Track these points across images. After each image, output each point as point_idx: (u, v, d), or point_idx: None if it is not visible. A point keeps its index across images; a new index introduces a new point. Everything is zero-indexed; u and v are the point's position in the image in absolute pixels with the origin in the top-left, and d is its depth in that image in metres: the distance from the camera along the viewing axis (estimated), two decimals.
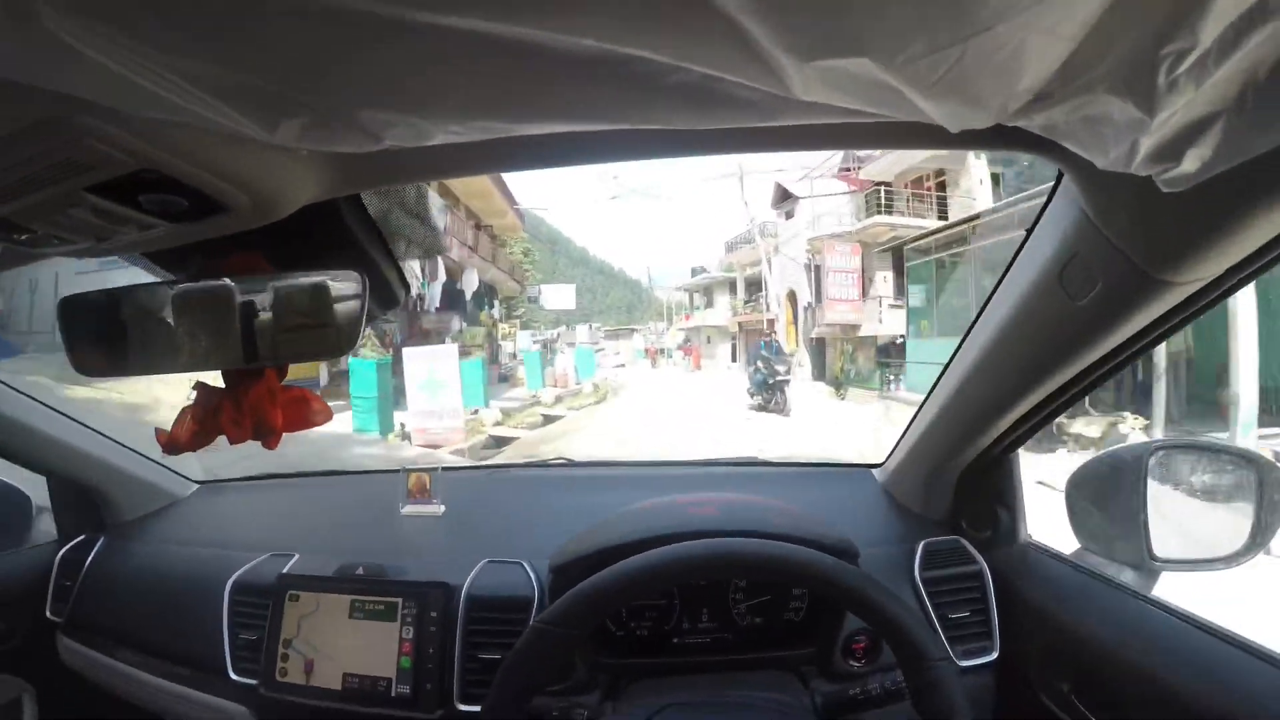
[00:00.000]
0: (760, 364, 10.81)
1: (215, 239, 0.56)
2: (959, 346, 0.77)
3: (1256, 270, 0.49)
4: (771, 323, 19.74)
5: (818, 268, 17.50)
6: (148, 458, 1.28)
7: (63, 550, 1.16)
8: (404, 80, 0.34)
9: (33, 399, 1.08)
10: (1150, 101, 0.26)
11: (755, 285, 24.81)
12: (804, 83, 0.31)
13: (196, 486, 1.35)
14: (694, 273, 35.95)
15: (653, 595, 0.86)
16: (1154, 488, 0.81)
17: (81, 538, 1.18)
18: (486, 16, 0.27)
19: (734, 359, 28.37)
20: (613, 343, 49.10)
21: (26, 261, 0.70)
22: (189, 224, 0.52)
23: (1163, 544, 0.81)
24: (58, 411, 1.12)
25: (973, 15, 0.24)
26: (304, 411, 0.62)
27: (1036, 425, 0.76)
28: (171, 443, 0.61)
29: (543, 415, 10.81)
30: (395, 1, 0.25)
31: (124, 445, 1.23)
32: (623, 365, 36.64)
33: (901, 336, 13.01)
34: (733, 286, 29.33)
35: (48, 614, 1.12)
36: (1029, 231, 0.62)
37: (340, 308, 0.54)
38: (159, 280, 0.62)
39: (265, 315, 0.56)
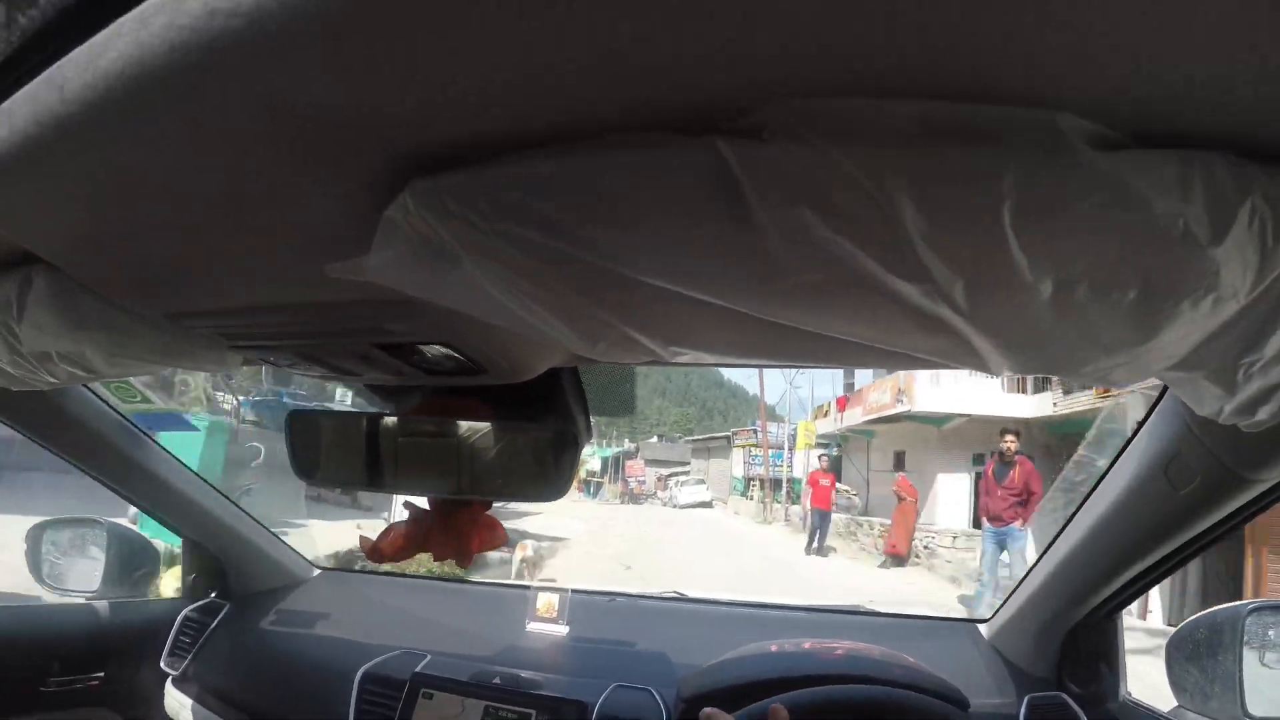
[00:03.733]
0: None
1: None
2: (1069, 520, 0.84)
3: None
4: None
5: None
6: (278, 538, 1.36)
7: (188, 609, 1.23)
8: (704, 333, 0.43)
9: (184, 465, 1.18)
10: (1231, 388, 0.38)
11: None
12: (999, 368, 0.42)
13: (318, 572, 1.43)
14: None
15: None
16: (1250, 647, 0.85)
17: (207, 600, 1.26)
18: (793, 320, 0.35)
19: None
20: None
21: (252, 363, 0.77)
22: (442, 376, 0.60)
23: (1257, 702, 0.85)
24: (206, 481, 1.21)
25: (1134, 356, 0.35)
26: (492, 536, 0.69)
27: (1137, 592, 0.83)
28: (375, 552, 0.69)
29: None
30: (711, 291, 0.33)
31: (259, 522, 1.31)
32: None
33: None
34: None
35: (160, 664, 1.18)
36: (1138, 427, 0.72)
37: (560, 456, 0.62)
38: (385, 410, 0.71)
39: (485, 454, 0.63)
